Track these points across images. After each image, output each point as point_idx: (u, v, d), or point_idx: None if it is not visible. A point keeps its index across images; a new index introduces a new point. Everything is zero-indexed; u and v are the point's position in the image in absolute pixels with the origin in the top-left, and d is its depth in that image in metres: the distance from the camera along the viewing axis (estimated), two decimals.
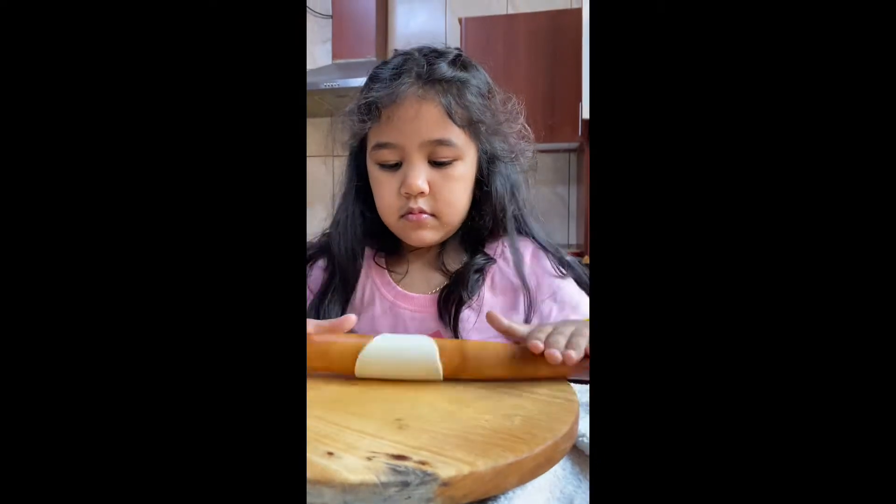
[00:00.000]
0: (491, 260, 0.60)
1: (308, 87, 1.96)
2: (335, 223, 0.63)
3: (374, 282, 0.63)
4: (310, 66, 2.30)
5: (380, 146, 0.56)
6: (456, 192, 0.57)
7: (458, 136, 0.55)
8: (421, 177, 0.54)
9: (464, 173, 0.57)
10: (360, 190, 0.62)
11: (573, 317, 0.57)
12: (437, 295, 0.60)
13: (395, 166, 0.56)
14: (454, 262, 0.62)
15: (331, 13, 2.25)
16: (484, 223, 0.60)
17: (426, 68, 0.55)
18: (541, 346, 0.38)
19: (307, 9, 2.33)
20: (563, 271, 0.61)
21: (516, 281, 0.59)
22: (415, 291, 0.61)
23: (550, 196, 2.21)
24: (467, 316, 0.58)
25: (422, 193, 0.55)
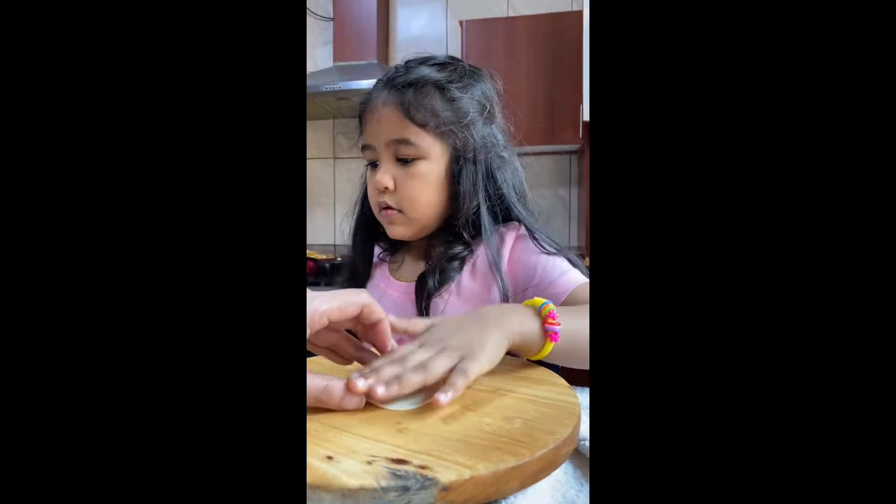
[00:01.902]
0: (468, 248, 0.63)
1: (309, 90, 1.97)
2: (354, 221, 0.72)
3: (374, 271, 0.71)
4: (311, 68, 2.31)
5: (363, 148, 0.64)
6: (418, 190, 0.60)
7: (417, 136, 0.59)
8: (386, 175, 0.60)
9: (426, 171, 0.60)
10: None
11: (559, 283, 0.58)
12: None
13: (375, 165, 0.62)
14: (439, 252, 0.65)
15: (332, 16, 2.26)
16: (457, 218, 0.63)
17: (397, 75, 0.61)
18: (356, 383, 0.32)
19: (308, 11, 2.33)
20: (549, 249, 0.62)
21: (495, 275, 0.61)
22: (404, 280, 0.67)
23: (551, 198, 2.20)
24: (436, 304, 0.61)
25: (386, 189, 0.60)
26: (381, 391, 0.33)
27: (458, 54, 2.15)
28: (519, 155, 0.67)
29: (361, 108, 0.64)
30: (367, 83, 1.95)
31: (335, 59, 2.21)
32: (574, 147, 2.02)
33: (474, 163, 0.62)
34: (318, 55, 2.38)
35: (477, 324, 0.40)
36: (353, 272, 0.71)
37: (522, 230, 0.65)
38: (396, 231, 0.63)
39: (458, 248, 0.63)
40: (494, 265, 0.61)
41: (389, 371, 0.35)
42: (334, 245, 2.39)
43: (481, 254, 0.63)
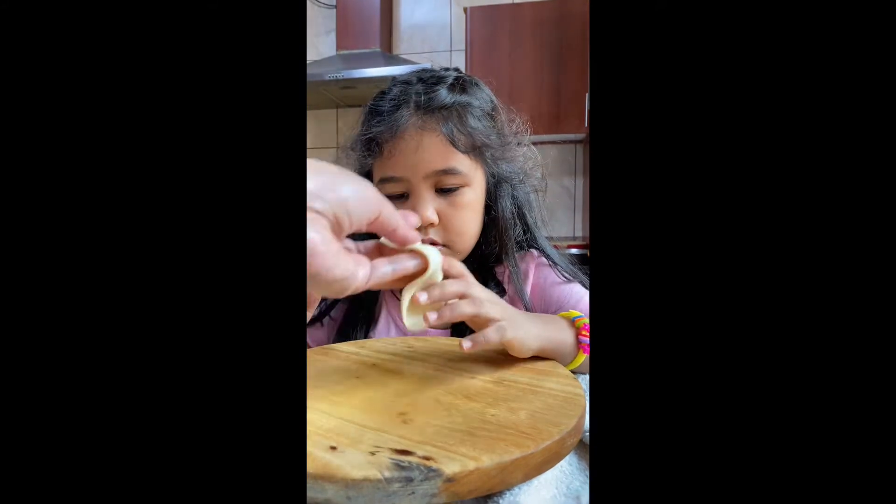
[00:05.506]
0: (502, 290, 0.60)
1: (312, 79, 1.96)
2: None
3: (388, 311, 0.63)
4: (314, 57, 2.30)
5: (385, 180, 0.56)
6: (465, 220, 0.56)
7: (462, 163, 0.54)
8: (429, 208, 0.54)
9: (472, 199, 0.56)
10: None
11: (578, 309, 0.56)
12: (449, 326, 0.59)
13: (403, 198, 0.56)
14: None
15: (335, 3, 2.24)
16: (491, 249, 0.59)
17: (424, 97, 0.54)
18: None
19: None
20: (568, 277, 0.60)
21: (520, 304, 0.59)
22: None
23: (556, 188, 2.19)
24: None
25: (431, 224, 0.54)
26: (433, 318, 0.37)
27: (462, 42, 2.14)
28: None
29: (376, 137, 0.55)
30: (370, 72, 1.94)
31: (338, 47, 2.20)
32: (579, 136, 2.00)
33: (511, 186, 0.59)
34: (321, 44, 2.36)
35: (522, 314, 0.43)
36: (352, 318, 0.62)
37: (540, 258, 0.62)
38: None
39: (493, 290, 0.58)
40: (520, 299, 0.59)
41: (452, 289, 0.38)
42: None
43: (507, 290, 0.60)
